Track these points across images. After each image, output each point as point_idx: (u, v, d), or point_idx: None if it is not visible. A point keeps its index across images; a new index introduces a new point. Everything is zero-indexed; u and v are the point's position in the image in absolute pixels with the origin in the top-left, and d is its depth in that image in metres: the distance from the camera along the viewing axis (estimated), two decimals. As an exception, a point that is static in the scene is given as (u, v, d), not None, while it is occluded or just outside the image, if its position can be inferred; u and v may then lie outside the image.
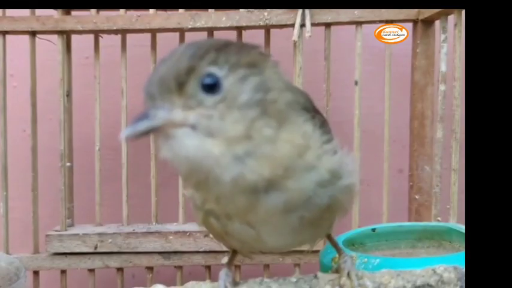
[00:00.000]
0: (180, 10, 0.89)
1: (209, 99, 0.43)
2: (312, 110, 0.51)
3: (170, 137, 0.43)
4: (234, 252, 0.58)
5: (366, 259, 0.62)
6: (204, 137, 0.43)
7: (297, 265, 0.91)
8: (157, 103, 0.43)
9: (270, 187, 0.45)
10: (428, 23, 0.89)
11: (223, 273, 0.54)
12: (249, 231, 0.48)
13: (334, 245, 0.60)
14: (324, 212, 0.49)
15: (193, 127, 0.43)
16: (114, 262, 0.91)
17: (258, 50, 0.47)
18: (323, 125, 0.51)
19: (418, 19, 0.88)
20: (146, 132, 0.43)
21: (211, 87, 0.43)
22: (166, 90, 0.43)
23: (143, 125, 0.43)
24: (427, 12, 0.86)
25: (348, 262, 0.54)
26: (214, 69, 0.43)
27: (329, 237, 0.60)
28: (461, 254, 0.54)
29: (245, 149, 0.43)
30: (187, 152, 0.43)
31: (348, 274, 0.53)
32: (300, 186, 0.46)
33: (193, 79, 0.43)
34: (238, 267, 0.90)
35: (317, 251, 0.74)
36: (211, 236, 0.58)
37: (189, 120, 0.43)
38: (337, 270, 0.55)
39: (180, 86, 0.43)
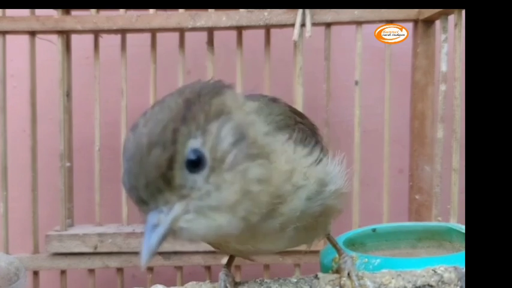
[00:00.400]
0: (180, 10, 0.89)
1: (199, 178, 0.42)
2: (289, 124, 0.50)
3: (180, 230, 0.43)
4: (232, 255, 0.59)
5: (366, 259, 0.62)
6: (210, 213, 0.42)
7: (297, 265, 0.91)
8: (152, 207, 0.42)
9: (266, 217, 0.46)
10: (428, 23, 0.89)
11: (223, 274, 0.54)
12: (248, 248, 0.50)
13: (334, 245, 0.60)
14: (317, 218, 0.50)
15: (196, 211, 0.42)
16: (114, 262, 0.91)
17: (215, 90, 0.45)
18: (303, 136, 0.50)
19: (418, 19, 0.88)
20: (160, 244, 0.43)
21: (196, 164, 0.42)
22: (157, 192, 0.42)
23: (156, 240, 0.43)
24: (427, 12, 0.86)
25: (348, 262, 0.54)
26: (192, 144, 0.41)
27: (329, 238, 0.60)
28: (462, 254, 0.54)
29: (247, 205, 0.43)
30: (200, 233, 0.43)
31: (349, 274, 0.53)
32: (292, 207, 0.47)
33: (177, 167, 0.41)
34: (238, 267, 0.90)
35: (317, 252, 0.74)
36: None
37: (190, 209, 0.42)
38: (338, 271, 0.55)
39: (168, 181, 0.41)
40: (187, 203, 0.42)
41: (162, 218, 0.42)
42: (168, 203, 0.42)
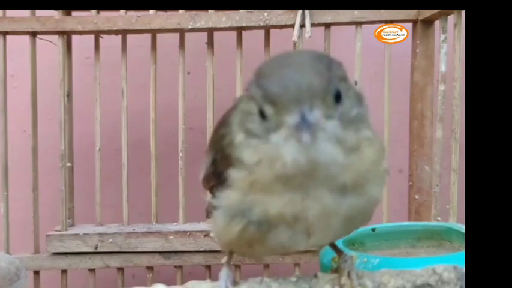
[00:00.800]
0: (180, 11, 0.89)
1: (339, 108, 0.44)
2: None
3: (313, 141, 0.43)
4: (231, 252, 0.58)
5: (365, 259, 0.62)
6: (336, 145, 0.44)
7: (297, 265, 0.91)
8: (305, 107, 0.42)
9: (351, 190, 0.46)
10: (428, 23, 0.89)
11: (224, 273, 0.53)
12: (297, 241, 0.49)
13: (333, 246, 0.60)
14: (364, 217, 0.51)
15: (330, 135, 0.43)
16: (115, 262, 0.91)
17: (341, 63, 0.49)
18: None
19: (417, 19, 0.89)
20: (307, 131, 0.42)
21: (338, 99, 0.45)
22: (316, 97, 0.43)
23: (309, 120, 0.42)
24: (426, 13, 0.86)
25: (348, 262, 0.54)
26: (339, 85, 0.45)
27: None
28: (461, 254, 0.54)
29: (355, 156, 0.45)
30: (323, 157, 0.43)
31: (348, 274, 0.53)
32: (374, 192, 0.48)
33: (332, 90, 0.44)
34: (238, 266, 0.90)
35: (316, 251, 0.74)
36: (212, 235, 0.58)
37: (328, 128, 0.43)
38: (337, 270, 0.55)
39: (324, 95, 0.43)
40: (328, 123, 0.43)
41: (315, 114, 0.43)
42: (320, 111, 0.43)
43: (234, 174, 0.48)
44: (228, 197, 0.49)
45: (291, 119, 0.43)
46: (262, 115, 0.45)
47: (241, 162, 0.47)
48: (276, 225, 0.47)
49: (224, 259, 0.58)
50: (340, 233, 0.52)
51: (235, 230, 0.49)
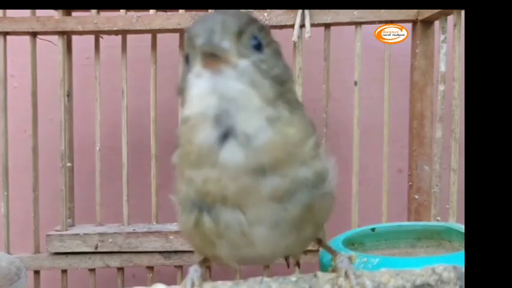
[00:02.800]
0: (180, 11, 0.89)
1: (256, 55, 0.46)
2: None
3: (219, 73, 0.44)
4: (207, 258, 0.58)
5: (365, 258, 0.62)
6: (248, 85, 0.45)
7: (297, 265, 0.91)
8: (217, 37, 0.44)
9: (269, 170, 0.46)
10: (427, 23, 0.89)
11: (192, 269, 0.54)
12: (240, 221, 0.48)
13: (327, 249, 0.60)
14: (304, 213, 0.50)
15: (241, 73, 0.45)
16: (115, 262, 0.91)
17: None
18: (315, 130, 0.53)
19: (417, 19, 0.89)
20: (212, 50, 0.44)
21: (257, 47, 0.47)
22: (228, 32, 0.45)
23: (215, 42, 0.44)
24: (426, 13, 0.86)
25: (345, 261, 0.54)
26: (259, 35, 0.48)
27: (320, 243, 0.61)
28: (461, 254, 0.54)
29: (273, 114, 0.46)
30: (231, 93, 0.45)
31: (346, 273, 0.53)
32: (293, 176, 0.48)
33: (248, 33, 0.46)
34: (238, 266, 0.90)
35: (317, 251, 0.74)
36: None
37: (240, 64, 0.45)
38: (334, 270, 0.55)
39: (239, 34, 0.46)
40: (241, 59, 0.45)
41: (224, 43, 0.44)
42: (232, 44, 0.45)
43: (174, 158, 0.51)
44: (179, 190, 0.51)
45: (199, 40, 0.44)
46: (187, 59, 0.48)
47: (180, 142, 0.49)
48: (213, 206, 0.48)
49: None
50: (291, 229, 0.51)
51: (191, 223, 0.50)
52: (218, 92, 0.44)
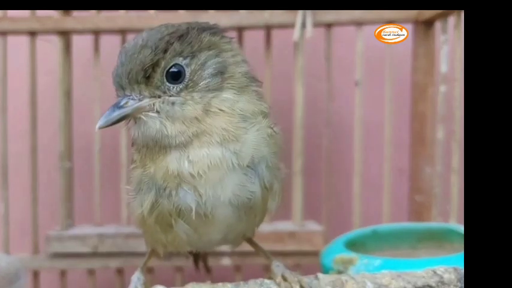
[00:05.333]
0: (181, 11, 0.89)
1: (173, 87, 0.51)
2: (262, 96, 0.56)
3: (139, 120, 0.51)
4: (150, 254, 0.61)
5: (366, 260, 0.62)
6: (165, 120, 0.50)
7: (298, 266, 0.91)
8: (127, 93, 0.51)
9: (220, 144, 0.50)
10: (428, 24, 0.89)
11: (135, 277, 0.57)
12: (192, 196, 0.51)
13: (262, 251, 0.61)
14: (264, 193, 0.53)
15: (158, 112, 0.50)
16: (114, 263, 0.91)
17: (214, 30, 0.53)
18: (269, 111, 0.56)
19: (418, 20, 0.89)
20: (119, 120, 0.51)
21: (176, 76, 0.50)
22: (135, 82, 0.50)
23: (116, 114, 0.50)
24: (427, 13, 0.86)
25: (280, 266, 0.56)
26: (178, 60, 0.50)
27: (250, 242, 0.62)
28: (462, 255, 0.54)
29: (200, 126, 0.50)
30: (150, 132, 0.51)
31: (283, 277, 0.54)
32: (243, 148, 0.51)
33: (159, 71, 0.50)
34: (238, 267, 0.90)
35: (317, 252, 0.74)
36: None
37: (154, 107, 0.50)
38: (270, 277, 0.55)
39: (147, 77, 0.50)
40: (155, 102, 0.50)
41: (130, 102, 0.51)
42: (141, 95, 0.51)
43: (133, 155, 0.56)
44: (134, 177, 0.54)
45: (117, 100, 0.51)
46: None
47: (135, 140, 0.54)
48: (170, 189, 0.51)
49: (226, 260, 0.58)
50: (232, 225, 0.53)
51: (147, 207, 0.53)
52: (141, 132, 0.52)
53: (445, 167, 0.84)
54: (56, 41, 0.91)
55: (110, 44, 0.94)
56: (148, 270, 0.91)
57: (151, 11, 0.90)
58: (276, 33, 0.91)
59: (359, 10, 0.86)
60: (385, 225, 0.79)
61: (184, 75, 0.50)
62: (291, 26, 0.87)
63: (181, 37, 0.51)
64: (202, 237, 0.54)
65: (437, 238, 0.73)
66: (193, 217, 0.51)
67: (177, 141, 0.50)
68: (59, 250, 0.90)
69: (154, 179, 0.52)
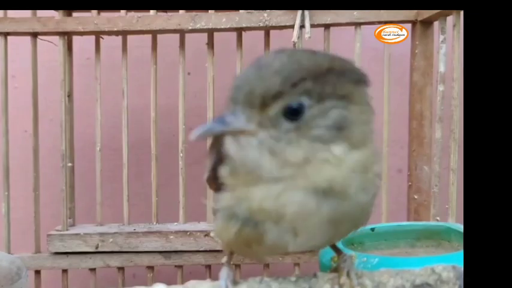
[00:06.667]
0: (181, 11, 0.90)
1: (286, 124, 0.45)
2: None
3: (237, 140, 0.46)
4: (232, 252, 0.58)
5: (365, 258, 0.62)
6: (265, 152, 0.45)
7: (297, 264, 0.92)
8: (237, 110, 0.45)
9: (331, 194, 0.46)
10: (427, 24, 0.90)
11: (224, 273, 0.54)
12: (287, 236, 0.48)
13: (332, 246, 0.60)
14: (351, 226, 0.52)
15: (260, 142, 0.45)
16: (115, 261, 0.91)
17: (356, 78, 0.48)
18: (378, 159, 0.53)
19: (416, 20, 0.89)
20: (219, 134, 0.47)
21: (293, 113, 0.45)
22: (250, 104, 0.45)
23: (219, 129, 0.45)
24: (425, 13, 0.86)
25: (348, 261, 0.54)
26: (303, 99, 0.45)
27: None
28: (460, 254, 0.54)
29: (295, 172, 0.45)
30: (247, 159, 0.46)
31: (347, 273, 0.53)
32: (355, 200, 0.48)
33: (279, 103, 0.44)
34: (238, 266, 0.91)
35: (316, 251, 0.74)
36: (212, 235, 0.58)
37: (258, 136, 0.45)
38: (336, 270, 0.55)
39: (263, 105, 0.44)
40: (261, 132, 0.45)
41: (236, 122, 0.45)
42: (250, 119, 0.45)
43: (223, 171, 0.49)
44: (223, 198, 0.50)
45: (225, 114, 0.46)
46: None
47: (229, 158, 0.48)
48: (263, 223, 0.47)
49: (224, 259, 0.58)
50: (329, 236, 0.51)
51: (232, 232, 0.50)
52: (241, 158, 0.46)
53: (443, 166, 0.84)
54: (56, 42, 0.92)
55: (111, 44, 0.95)
56: (149, 269, 0.92)
57: (152, 12, 0.90)
58: (275, 34, 0.91)
59: (357, 10, 0.87)
60: (384, 224, 0.79)
61: (302, 116, 0.45)
62: (289, 26, 0.88)
63: (320, 77, 0.45)
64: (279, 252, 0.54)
65: (435, 237, 0.73)
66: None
67: (270, 177, 0.45)
68: (61, 249, 0.90)
69: (243, 211, 0.48)
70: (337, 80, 0.46)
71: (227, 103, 0.46)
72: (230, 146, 0.47)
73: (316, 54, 0.47)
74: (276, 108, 0.44)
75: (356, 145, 0.48)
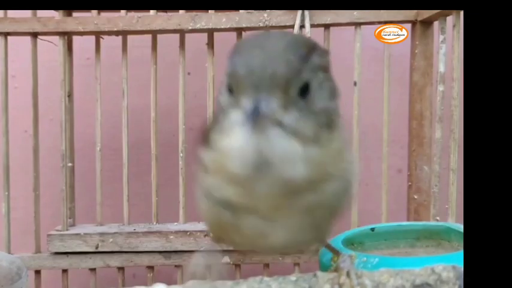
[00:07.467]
0: (181, 11, 0.90)
1: (301, 102, 0.44)
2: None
3: (263, 131, 0.43)
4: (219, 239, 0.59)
5: (365, 258, 0.62)
6: (291, 138, 0.44)
7: (297, 264, 0.92)
8: (262, 95, 0.42)
9: (304, 190, 0.46)
10: (426, 24, 0.90)
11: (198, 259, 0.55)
12: (263, 225, 0.48)
13: (330, 248, 0.61)
14: (329, 215, 0.51)
15: (285, 127, 0.43)
16: (115, 261, 0.91)
17: (325, 51, 0.49)
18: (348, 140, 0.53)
19: (416, 20, 0.89)
20: (256, 120, 0.42)
21: (304, 91, 0.45)
22: (276, 86, 0.43)
23: (263, 119, 0.42)
24: (425, 13, 0.86)
25: (347, 261, 0.55)
26: (314, 74, 0.45)
27: (323, 242, 0.61)
28: (460, 254, 0.54)
29: (313, 150, 0.45)
30: (274, 150, 0.43)
31: (347, 273, 0.53)
32: (329, 191, 0.48)
33: (298, 82, 0.44)
34: (238, 266, 0.91)
35: (316, 250, 0.75)
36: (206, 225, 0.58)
37: (284, 121, 0.43)
38: (336, 270, 0.55)
39: (287, 86, 0.43)
40: (285, 115, 0.43)
41: (269, 107, 0.42)
42: (278, 101, 0.43)
43: (206, 156, 0.49)
44: (205, 181, 0.49)
45: (247, 103, 0.43)
46: (230, 90, 0.45)
47: (212, 144, 0.47)
48: (238, 209, 0.48)
49: (225, 259, 0.58)
50: (306, 225, 0.51)
51: (213, 214, 0.50)
52: (260, 150, 0.43)
53: (443, 166, 0.84)
54: (57, 42, 0.92)
55: (111, 44, 0.95)
56: (149, 269, 0.92)
57: (152, 12, 0.90)
58: (275, 34, 0.91)
59: (357, 10, 0.87)
60: (384, 224, 0.79)
61: (309, 91, 0.45)
62: (289, 26, 0.88)
63: (313, 49, 0.46)
64: (260, 245, 0.54)
65: (435, 237, 0.73)
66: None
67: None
68: (61, 249, 0.90)
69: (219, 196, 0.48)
70: (322, 52, 0.47)
71: (239, 89, 0.44)
72: (250, 141, 0.43)
73: (295, 34, 0.48)
74: (296, 87, 0.44)
75: (331, 128, 0.48)
